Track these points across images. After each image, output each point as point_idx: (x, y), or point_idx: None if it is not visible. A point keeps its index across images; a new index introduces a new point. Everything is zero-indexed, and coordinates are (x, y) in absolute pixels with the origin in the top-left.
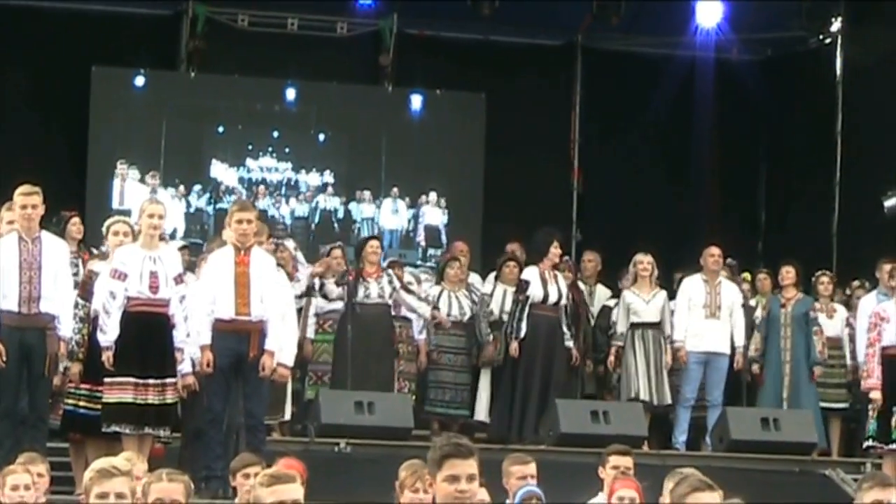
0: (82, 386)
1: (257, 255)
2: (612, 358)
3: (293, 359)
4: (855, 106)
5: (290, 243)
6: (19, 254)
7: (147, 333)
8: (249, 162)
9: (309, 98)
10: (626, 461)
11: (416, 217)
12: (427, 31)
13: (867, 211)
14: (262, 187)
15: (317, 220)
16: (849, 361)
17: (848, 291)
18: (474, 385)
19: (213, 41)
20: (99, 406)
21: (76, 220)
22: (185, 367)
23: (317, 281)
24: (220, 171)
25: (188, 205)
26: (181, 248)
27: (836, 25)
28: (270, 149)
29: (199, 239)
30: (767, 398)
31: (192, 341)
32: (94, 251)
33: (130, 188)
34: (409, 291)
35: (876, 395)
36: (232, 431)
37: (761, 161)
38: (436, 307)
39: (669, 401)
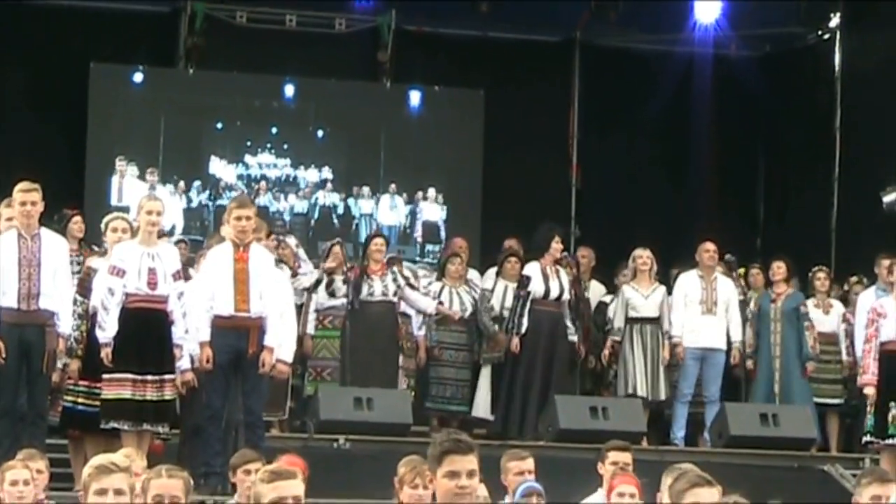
0: (81, 382)
1: (256, 252)
2: (606, 352)
3: (292, 355)
4: (853, 102)
5: (291, 240)
6: (19, 250)
7: (145, 330)
8: (248, 158)
9: (307, 94)
10: (625, 457)
11: (413, 213)
12: (425, 27)
13: (866, 206)
14: (263, 184)
15: (316, 216)
16: (844, 357)
17: (846, 287)
18: (475, 381)
19: (212, 38)
20: (97, 403)
21: (78, 218)
22: (183, 363)
23: (326, 276)
24: (219, 168)
25: (189, 201)
26: (177, 242)
27: (834, 21)
28: (269, 145)
29: (199, 235)
30: (759, 393)
31: (191, 338)
32: (96, 249)
33: (129, 185)
34: (413, 288)
35: (870, 391)
36: (231, 428)
37: (760, 157)
38: (440, 302)
39: (664, 396)
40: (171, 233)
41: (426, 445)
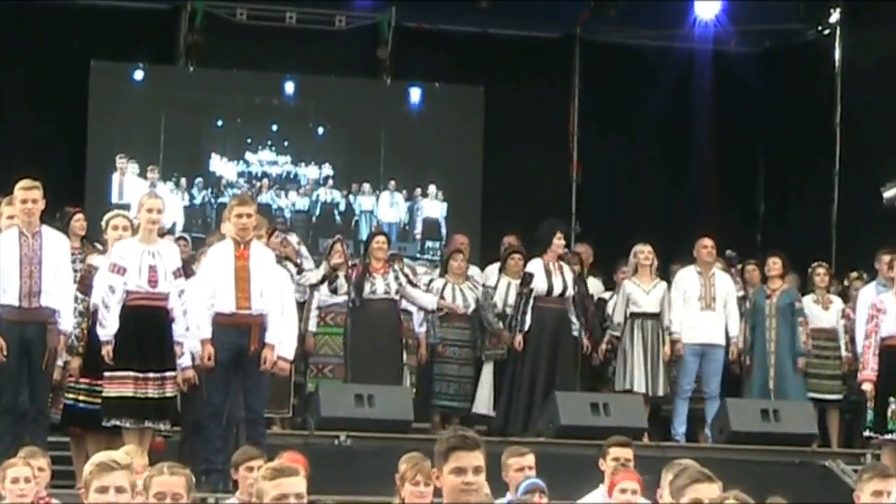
0: (82, 380)
1: (257, 249)
2: (603, 346)
3: (293, 352)
4: (853, 97)
5: (292, 237)
6: (20, 248)
7: (146, 327)
8: (248, 155)
9: (308, 91)
10: (627, 453)
11: (412, 210)
12: (425, 24)
13: (866, 202)
14: (265, 181)
15: (317, 213)
16: (843, 353)
17: (845, 283)
18: (478, 378)
19: (212, 35)
20: (98, 400)
21: (80, 216)
22: (184, 360)
23: (331, 272)
24: (220, 165)
25: (191, 198)
26: (177, 240)
27: (834, 18)
28: (269, 142)
29: (201, 233)
30: (754, 389)
31: (192, 335)
32: (99, 247)
33: (130, 182)
34: (414, 286)
35: (868, 386)
36: (232, 425)
37: (759, 153)
38: (441, 297)
39: (662, 392)
40: (171, 230)
41: (427, 442)
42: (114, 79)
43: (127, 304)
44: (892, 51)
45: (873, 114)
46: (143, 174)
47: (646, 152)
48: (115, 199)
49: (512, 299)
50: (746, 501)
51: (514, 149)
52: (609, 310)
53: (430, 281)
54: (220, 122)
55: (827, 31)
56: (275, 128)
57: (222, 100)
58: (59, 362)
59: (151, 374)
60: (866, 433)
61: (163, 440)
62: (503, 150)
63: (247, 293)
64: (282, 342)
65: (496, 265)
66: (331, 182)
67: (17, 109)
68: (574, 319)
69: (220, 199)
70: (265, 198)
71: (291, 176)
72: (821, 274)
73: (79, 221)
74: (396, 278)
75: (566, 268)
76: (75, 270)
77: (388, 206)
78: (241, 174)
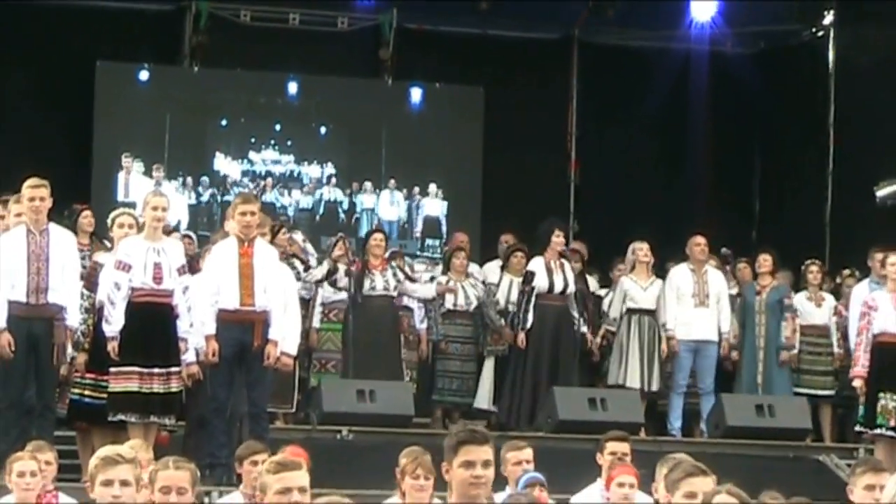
0: (87, 376)
1: (260, 247)
2: (597, 339)
3: (296, 348)
4: (847, 97)
5: (298, 235)
6: (27, 246)
7: (151, 324)
8: (252, 155)
9: (310, 92)
10: (624, 447)
11: (411, 208)
12: (426, 25)
13: (859, 201)
14: (268, 180)
15: (321, 211)
16: (835, 349)
17: (838, 280)
18: (479, 374)
19: (216, 36)
20: (104, 395)
21: (88, 213)
22: (189, 356)
23: (333, 265)
24: (224, 164)
25: (198, 195)
26: (182, 238)
27: (828, 19)
28: (273, 142)
29: (207, 231)
30: (743, 384)
31: (196, 331)
32: (108, 244)
33: (135, 181)
34: (412, 280)
35: (858, 383)
36: (235, 420)
37: (755, 152)
38: (438, 283)
39: (656, 388)
40: (176, 228)
41: (428, 437)
42: (119, 79)
43: (132, 301)
44: (885, 51)
45: (867, 113)
46: (148, 173)
47: (643, 151)
48: (120, 198)
49: (514, 297)
50: (739, 495)
51: (514, 148)
52: (605, 306)
53: (432, 278)
54: (224, 122)
55: (821, 33)
56: (278, 127)
57: (226, 99)
58: (66, 357)
59: (156, 370)
60: (857, 428)
61: (167, 434)
62: (502, 150)
63: (250, 290)
64: (285, 338)
65: (495, 262)
66: (333, 181)
67: (23, 109)
68: (577, 315)
69: (226, 198)
70: (269, 196)
71: (294, 175)
72: (814, 271)
73: (87, 218)
74: (395, 275)
75: (567, 265)
76: (83, 267)
77: (389, 205)
78: (244, 173)
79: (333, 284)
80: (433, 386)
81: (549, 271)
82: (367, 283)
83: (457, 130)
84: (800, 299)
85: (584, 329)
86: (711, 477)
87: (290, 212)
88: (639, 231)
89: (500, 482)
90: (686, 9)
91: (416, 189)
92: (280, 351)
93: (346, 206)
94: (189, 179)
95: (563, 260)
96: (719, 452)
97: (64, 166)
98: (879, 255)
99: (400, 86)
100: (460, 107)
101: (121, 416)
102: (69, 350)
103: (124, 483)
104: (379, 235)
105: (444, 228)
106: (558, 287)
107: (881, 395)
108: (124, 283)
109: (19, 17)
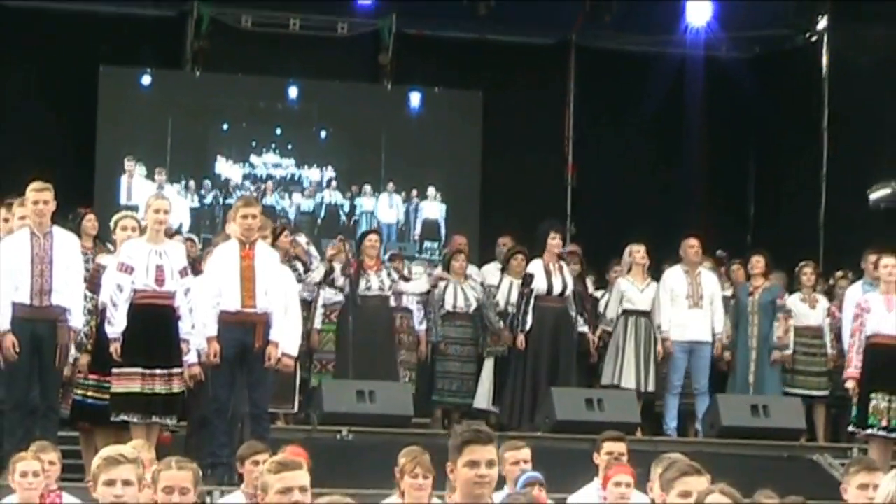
0: (90, 377)
1: (262, 249)
2: (594, 337)
3: (297, 349)
4: (841, 101)
5: (301, 238)
6: (31, 248)
7: (153, 325)
8: (253, 158)
9: (311, 96)
10: (620, 447)
11: (409, 211)
12: (425, 30)
13: (853, 203)
14: (269, 183)
15: (323, 214)
16: (829, 350)
17: (831, 282)
18: (479, 374)
19: (218, 41)
20: (107, 396)
21: (91, 216)
22: (190, 357)
23: (328, 265)
24: (225, 168)
25: (201, 198)
26: (185, 241)
27: (821, 24)
28: (273, 145)
29: (209, 234)
30: (736, 384)
31: (198, 333)
32: (110, 247)
33: (138, 184)
34: (406, 280)
35: (850, 384)
36: (237, 420)
37: (750, 155)
38: (429, 274)
39: (652, 388)
40: (178, 231)
41: (426, 437)
42: (122, 83)
43: (134, 303)
44: (877, 56)
45: (860, 117)
46: (150, 176)
47: (640, 154)
48: (123, 201)
49: (514, 298)
50: (732, 494)
51: (512, 151)
52: (601, 307)
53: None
54: (225, 126)
55: (815, 38)
56: (279, 131)
57: (228, 104)
58: (69, 359)
59: (158, 371)
60: (850, 428)
61: (169, 435)
62: (501, 153)
63: (252, 292)
64: (285, 340)
65: (493, 264)
66: (333, 184)
67: (27, 112)
68: (577, 316)
69: (228, 201)
70: (269, 199)
71: (295, 178)
72: (808, 273)
73: (90, 221)
74: (389, 275)
75: (566, 268)
76: (86, 269)
77: (388, 208)
78: (245, 176)
79: (332, 284)
80: (433, 387)
81: (548, 273)
82: (362, 284)
83: (455, 134)
84: (794, 301)
85: (585, 329)
86: (705, 476)
87: (291, 215)
88: (634, 233)
89: (498, 482)
90: (682, 14)
91: (415, 192)
92: (281, 352)
93: (346, 209)
94: (191, 183)
95: (561, 262)
96: (715, 452)
97: (67, 169)
98: (873, 258)
99: (399, 90)
100: (459, 111)
101: (123, 417)
102: (72, 351)
103: (126, 483)
104: (374, 236)
105: (442, 231)
106: (557, 289)
107: (873, 395)
108: (127, 285)
109: (24, 22)
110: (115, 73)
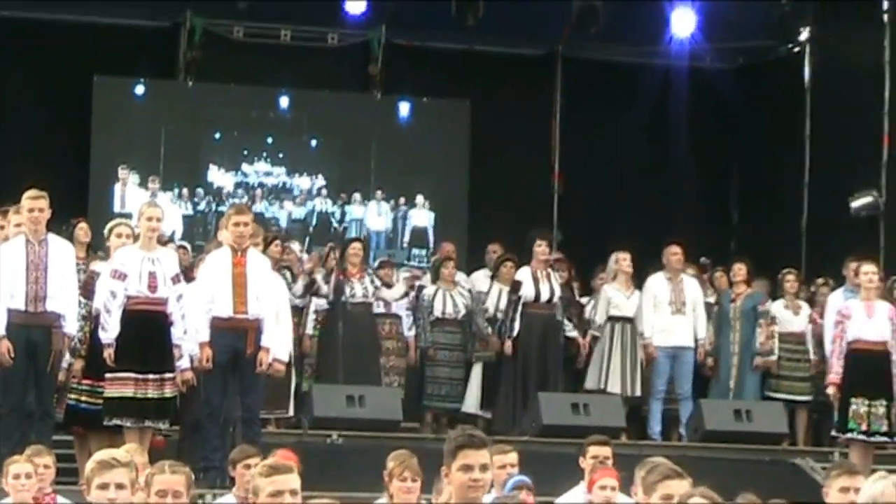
0: (84, 381)
1: (253, 256)
2: (584, 340)
3: (288, 354)
4: (822, 111)
5: (295, 246)
6: (26, 255)
7: (146, 331)
8: (245, 167)
9: (301, 105)
10: (606, 451)
11: (397, 219)
12: (414, 41)
13: (834, 211)
14: (259, 191)
15: (314, 222)
16: (811, 356)
17: (813, 289)
18: (467, 379)
19: (210, 52)
20: (100, 401)
21: (83, 224)
22: (183, 362)
23: (307, 277)
24: (217, 176)
25: (194, 206)
26: (178, 248)
27: (804, 35)
28: (265, 154)
29: (202, 241)
30: (719, 389)
31: (190, 338)
32: (102, 254)
33: (131, 192)
34: (389, 286)
35: (832, 390)
36: (229, 424)
37: (733, 164)
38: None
39: (639, 393)
40: (171, 238)
41: (415, 441)
42: (116, 93)
43: (127, 309)
44: (858, 67)
45: (841, 127)
46: (144, 184)
47: (625, 163)
48: (117, 209)
49: (504, 305)
50: (712, 497)
51: (499, 160)
52: (587, 314)
53: (421, 287)
54: (217, 135)
55: (797, 49)
56: (270, 140)
57: (220, 113)
58: (64, 364)
59: (151, 376)
60: (833, 433)
61: (162, 439)
62: (488, 162)
63: (244, 298)
64: (277, 345)
65: (482, 271)
66: (324, 192)
67: (23, 122)
68: (566, 322)
69: (220, 208)
70: (259, 207)
71: (286, 186)
72: (790, 280)
73: (83, 229)
74: (372, 282)
75: (553, 275)
76: (79, 280)
77: (376, 216)
78: (237, 184)
79: (316, 294)
80: (422, 392)
81: (536, 280)
82: (347, 291)
83: (444, 143)
84: (778, 307)
85: (574, 333)
86: (687, 480)
87: (283, 222)
88: (620, 241)
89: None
90: (667, 25)
91: (403, 200)
92: (272, 357)
93: (338, 216)
94: (184, 191)
95: (549, 269)
96: (698, 456)
97: (62, 178)
98: (854, 265)
99: (389, 100)
100: (447, 120)
101: (116, 421)
102: (66, 357)
103: (120, 486)
104: (357, 245)
105: (430, 238)
106: (545, 296)
107: (853, 400)
108: (120, 292)
109: (19, 32)
110: (109, 82)
